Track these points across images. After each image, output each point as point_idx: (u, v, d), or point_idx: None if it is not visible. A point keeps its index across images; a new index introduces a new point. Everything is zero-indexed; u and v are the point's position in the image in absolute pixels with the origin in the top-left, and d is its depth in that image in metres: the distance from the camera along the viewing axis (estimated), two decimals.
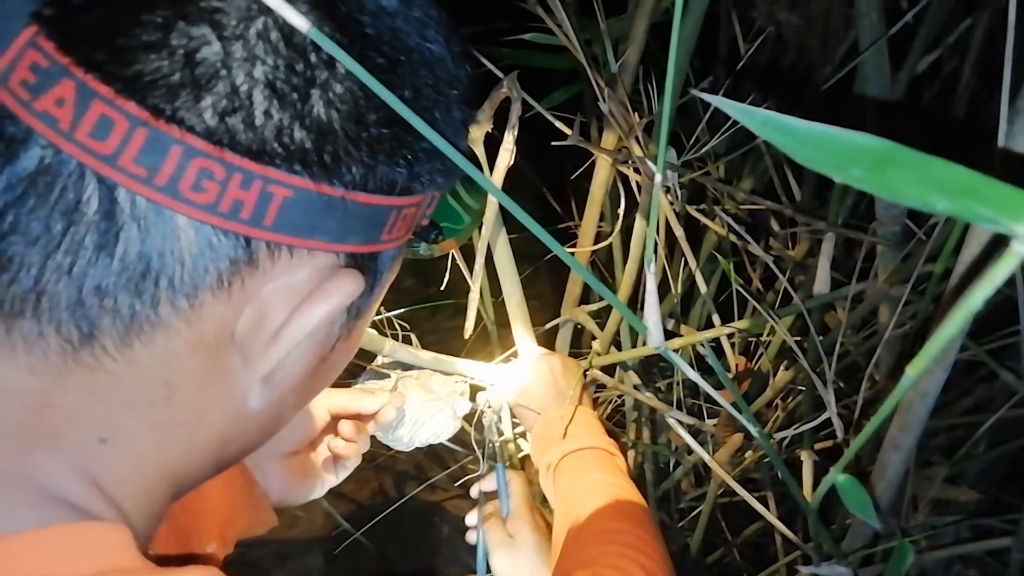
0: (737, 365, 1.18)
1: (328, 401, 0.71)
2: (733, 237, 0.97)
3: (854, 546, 0.67)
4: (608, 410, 1.27)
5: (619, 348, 1.12)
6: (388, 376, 0.82)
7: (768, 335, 1.06)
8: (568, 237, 1.20)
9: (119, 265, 0.31)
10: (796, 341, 0.83)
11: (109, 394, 0.33)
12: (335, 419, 0.72)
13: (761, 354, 1.10)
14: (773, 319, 0.73)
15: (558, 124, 0.87)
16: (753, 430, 0.43)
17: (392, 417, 0.75)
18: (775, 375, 1.04)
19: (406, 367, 0.86)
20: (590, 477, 0.75)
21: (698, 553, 1.25)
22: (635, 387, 1.01)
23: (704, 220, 1.01)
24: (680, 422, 0.98)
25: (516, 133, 0.79)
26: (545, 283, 0.98)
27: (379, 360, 0.86)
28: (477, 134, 0.84)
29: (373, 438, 0.83)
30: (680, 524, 1.30)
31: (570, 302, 1.15)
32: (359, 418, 0.74)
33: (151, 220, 0.31)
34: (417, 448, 0.88)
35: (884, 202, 0.70)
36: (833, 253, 0.79)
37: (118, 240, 0.30)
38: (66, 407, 0.33)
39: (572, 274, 1.13)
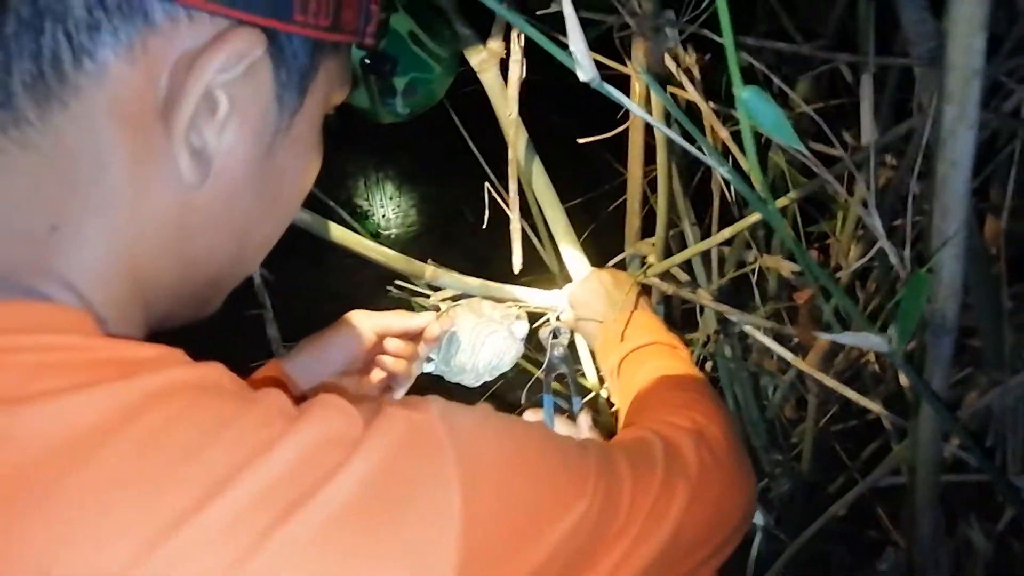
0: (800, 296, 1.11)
1: (371, 322, 0.73)
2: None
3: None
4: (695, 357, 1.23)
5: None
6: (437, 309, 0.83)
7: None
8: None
9: (14, 24, 0.33)
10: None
11: (45, 175, 0.35)
12: (381, 339, 0.74)
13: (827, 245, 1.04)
14: (832, 182, 0.68)
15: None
16: (833, 289, 0.41)
17: (437, 333, 0.75)
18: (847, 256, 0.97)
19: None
20: (650, 366, 0.74)
21: (813, 482, 1.17)
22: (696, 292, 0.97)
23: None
24: (757, 326, 0.93)
25: (523, 43, 0.79)
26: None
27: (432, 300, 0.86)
28: (492, 58, 0.85)
29: (441, 381, 0.83)
30: (792, 456, 1.23)
31: (632, 236, 1.13)
32: (406, 338, 0.75)
33: None
34: (485, 383, 0.88)
35: (912, 18, 0.65)
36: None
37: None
38: (11, 192, 0.35)
39: (630, 207, 1.11)
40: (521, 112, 0.86)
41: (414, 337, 0.75)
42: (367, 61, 0.50)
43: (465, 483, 0.37)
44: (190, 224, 0.39)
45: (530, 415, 0.83)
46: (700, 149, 0.39)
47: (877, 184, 0.84)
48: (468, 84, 0.88)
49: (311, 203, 0.82)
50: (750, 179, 0.41)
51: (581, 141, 0.84)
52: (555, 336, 0.91)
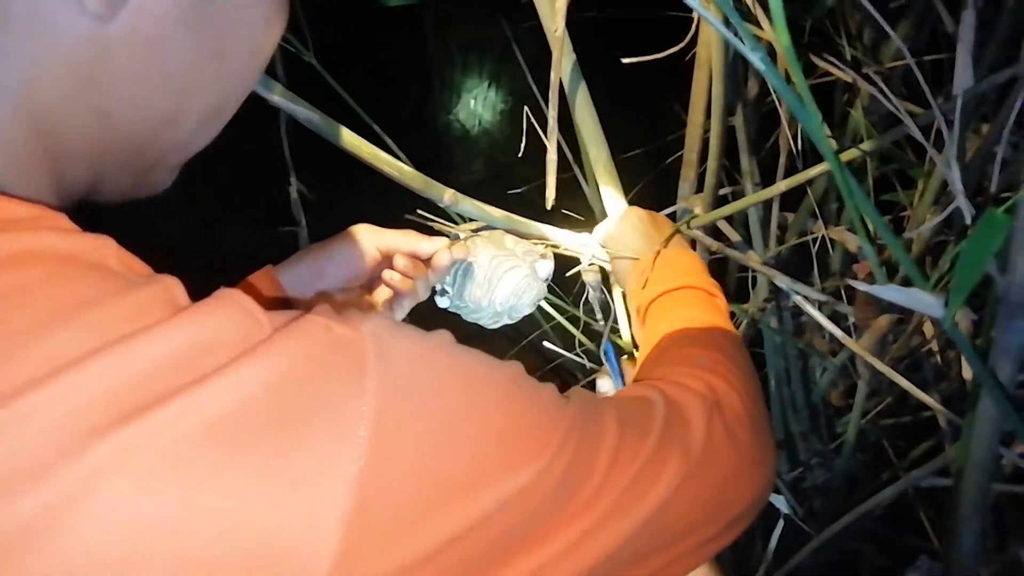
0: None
1: (377, 239, 0.67)
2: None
3: None
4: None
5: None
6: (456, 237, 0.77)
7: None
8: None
9: None
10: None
11: None
12: (386, 258, 0.68)
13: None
14: (912, 128, 0.58)
15: None
16: (889, 240, 0.33)
17: (447, 262, 0.69)
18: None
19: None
20: (677, 314, 0.65)
21: (853, 476, 1.09)
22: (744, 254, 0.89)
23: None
24: (808, 298, 0.84)
25: None
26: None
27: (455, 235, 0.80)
28: None
29: (459, 319, 0.78)
30: (833, 447, 1.14)
31: (686, 189, 1.05)
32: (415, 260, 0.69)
33: None
34: (506, 325, 0.82)
35: None
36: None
37: None
38: None
39: (687, 158, 1.02)
40: (588, 56, 0.78)
41: (425, 261, 0.70)
42: None
43: (381, 418, 0.31)
44: (103, 69, 0.34)
45: (604, 383, 0.77)
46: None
47: (963, 140, 0.74)
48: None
49: (346, 116, 0.77)
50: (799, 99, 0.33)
51: (625, 61, 0.76)
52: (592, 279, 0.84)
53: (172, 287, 0.32)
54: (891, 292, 0.36)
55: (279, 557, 0.29)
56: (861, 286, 0.40)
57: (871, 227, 0.45)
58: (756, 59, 0.30)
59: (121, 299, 0.29)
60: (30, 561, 0.26)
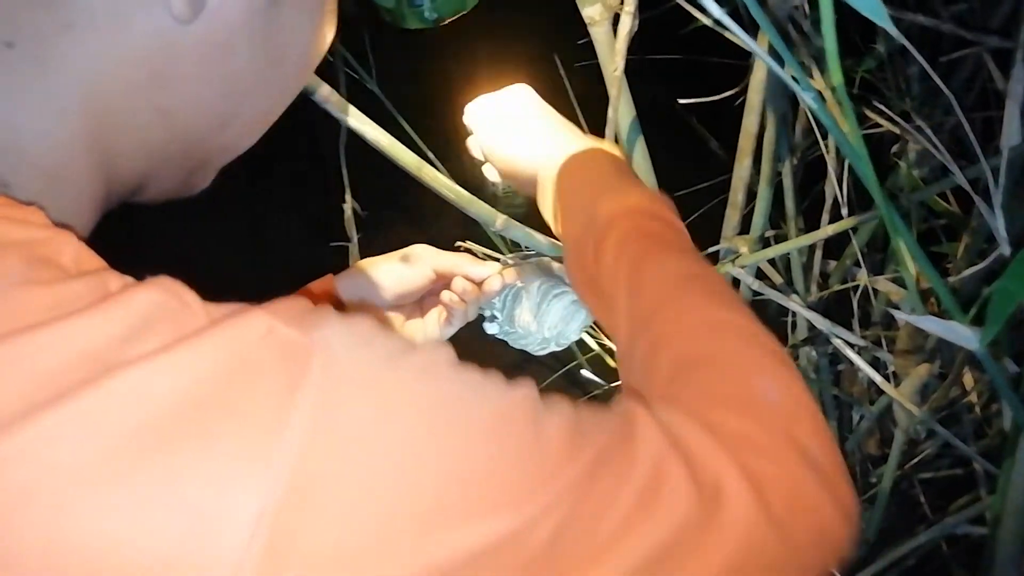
0: None
1: (435, 259, 0.70)
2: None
3: None
4: None
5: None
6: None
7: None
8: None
9: None
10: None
11: None
12: (441, 278, 0.71)
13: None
14: (959, 176, 0.60)
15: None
16: (930, 275, 0.33)
17: (498, 287, 0.71)
18: None
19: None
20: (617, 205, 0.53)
21: (887, 533, 1.07)
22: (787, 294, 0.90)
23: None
24: (848, 343, 0.85)
25: None
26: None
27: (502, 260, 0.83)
28: (607, 11, 0.80)
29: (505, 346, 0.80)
30: (866, 497, 1.13)
31: (729, 230, 1.07)
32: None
33: None
34: (554, 352, 0.84)
35: None
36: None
37: None
38: None
39: (732, 199, 1.04)
40: (637, 95, 0.81)
41: (476, 284, 0.72)
42: None
43: (310, 443, 0.26)
44: (172, 69, 0.35)
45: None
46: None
47: (1010, 193, 0.75)
48: (580, 35, 0.85)
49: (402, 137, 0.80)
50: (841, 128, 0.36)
51: (682, 102, 0.79)
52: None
53: (110, 280, 0.29)
54: (929, 322, 0.38)
55: None
56: (902, 316, 0.41)
57: (913, 270, 0.46)
58: (807, 97, 0.32)
59: (46, 289, 0.27)
60: None
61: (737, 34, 0.32)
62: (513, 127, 0.65)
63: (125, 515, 0.25)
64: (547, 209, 0.62)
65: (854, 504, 0.37)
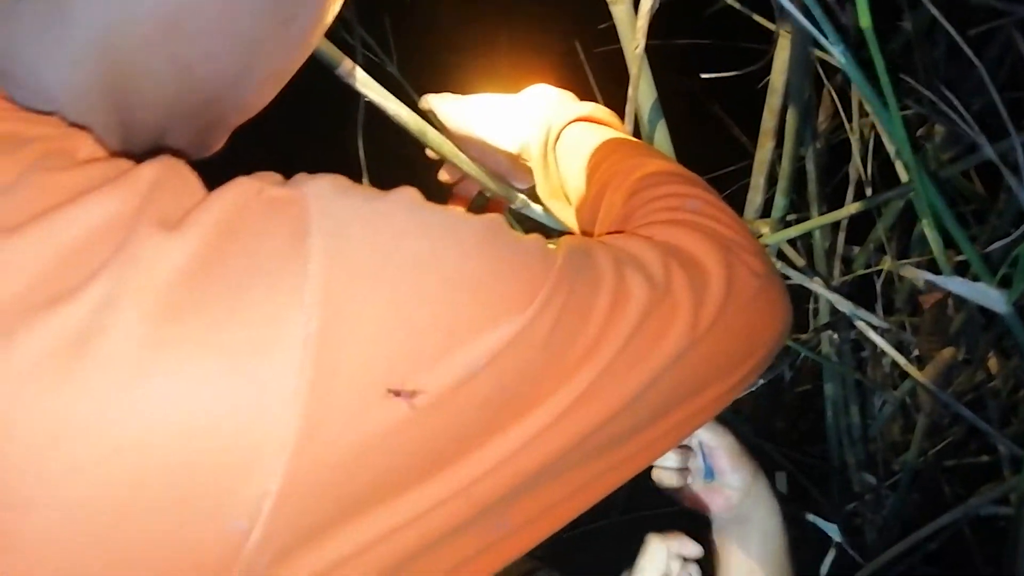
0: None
1: None
2: None
3: None
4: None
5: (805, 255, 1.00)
6: None
7: None
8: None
9: None
10: None
11: None
12: None
13: None
14: (989, 151, 0.58)
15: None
16: (955, 233, 0.34)
17: None
18: None
19: None
20: (605, 153, 0.58)
21: (908, 523, 1.06)
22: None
23: None
24: (871, 325, 0.84)
25: None
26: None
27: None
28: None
29: None
30: (888, 484, 1.12)
31: (751, 213, 1.06)
32: None
33: None
34: None
35: None
36: None
37: None
38: None
39: (754, 182, 1.03)
40: (659, 80, 0.81)
41: None
42: None
43: (330, 278, 0.28)
44: (187, 23, 0.36)
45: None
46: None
47: None
48: (602, 19, 0.84)
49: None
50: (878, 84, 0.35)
51: (704, 76, 0.78)
52: None
53: (121, 162, 0.30)
54: (956, 284, 0.37)
55: (228, 449, 0.27)
56: (930, 277, 0.41)
57: (940, 241, 0.45)
58: (837, 51, 0.32)
59: (65, 173, 0.28)
60: None
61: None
62: (485, 105, 0.68)
63: (172, 378, 0.26)
64: (547, 176, 0.64)
65: (767, 268, 0.45)
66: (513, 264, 0.34)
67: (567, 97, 0.67)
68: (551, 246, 0.37)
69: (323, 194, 0.31)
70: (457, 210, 0.35)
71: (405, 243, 0.31)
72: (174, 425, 0.26)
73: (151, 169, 0.30)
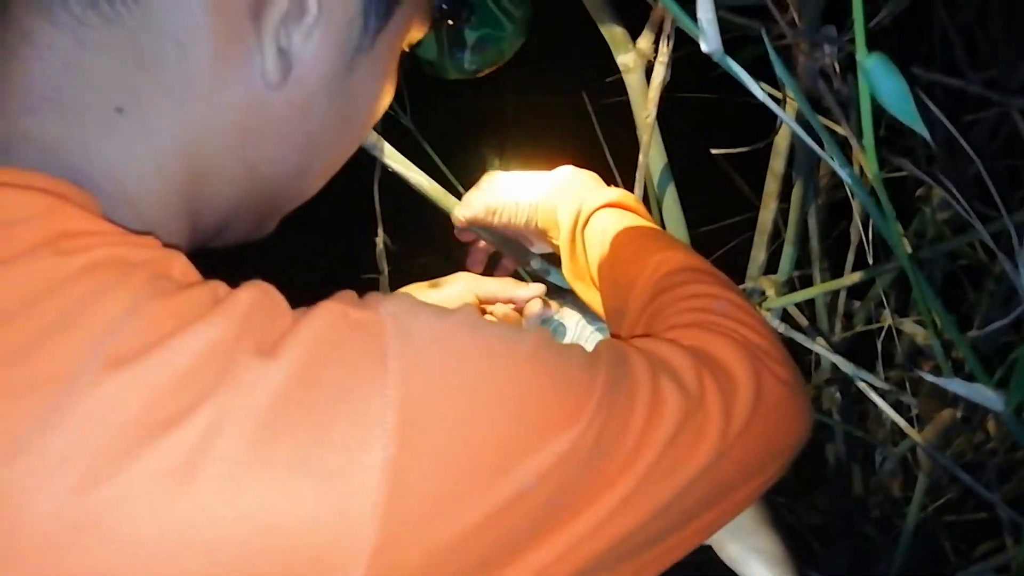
0: None
1: (477, 286, 0.72)
2: None
3: None
4: None
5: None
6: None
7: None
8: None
9: None
10: None
11: (122, 53, 0.35)
12: (483, 302, 0.72)
13: None
14: (982, 232, 0.61)
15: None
16: (955, 337, 0.36)
17: (538, 311, 0.73)
18: None
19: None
20: (629, 242, 0.60)
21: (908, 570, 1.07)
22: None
23: None
24: (872, 386, 0.86)
25: (672, 45, 0.77)
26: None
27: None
28: (640, 59, 0.83)
29: None
30: (890, 537, 1.13)
31: (755, 270, 1.08)
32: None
33: None
34: None
35: None
36: None
37: None
38: (85, 68, 0.35)
39: (758, 239, 1.06)
40: (665, 132, 0.84)
41: (518, 308, 0.74)
42: (444, 6, 0.50)
43: (407, 400, 0.31)
44: (259, 128, 0.39)
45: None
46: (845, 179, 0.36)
47: None
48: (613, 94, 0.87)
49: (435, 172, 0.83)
50: (878, 201, 0.38)
51: (715, 152, 0.81)
52: None
53: (218, 287, 0.32)
54: (955, 385, 0.39)
55: (316, 556, 0.29)
56: (928, 376, 0.43)
57: (939, 323, 0.48)
58: (845, 175, 0.34)
59: (169, 299, 0.30)
60: (71, 558, 0.27)
61: (782, 118, 0.34)
62: (528, 179, 0.72)
63: (268, 491, 0.29)
64: (574, 259, 0.67)
65: (793, 375, 0.47)
66: (561, 381, 0.36)
67: (594, 181, 0.70)
68: (590, 351, 0.39)
69: (398, 314, 0.33)
70: (509, 327, 0.38)
71: (467, 365, 0.33)
72: (267, 540, 0.29)
73: (246, 294, 0.32)
